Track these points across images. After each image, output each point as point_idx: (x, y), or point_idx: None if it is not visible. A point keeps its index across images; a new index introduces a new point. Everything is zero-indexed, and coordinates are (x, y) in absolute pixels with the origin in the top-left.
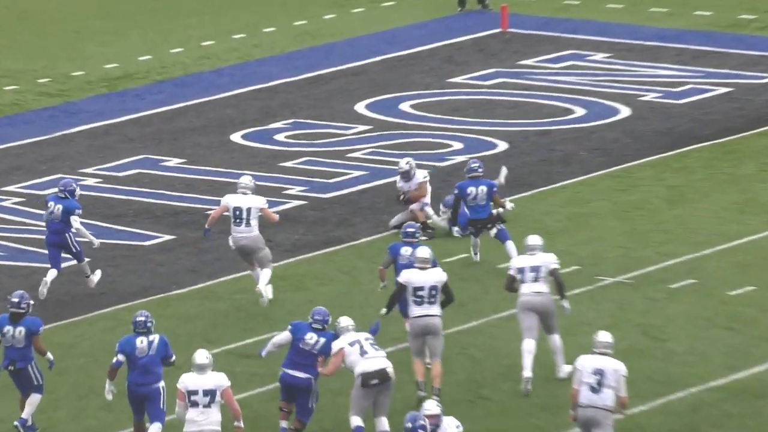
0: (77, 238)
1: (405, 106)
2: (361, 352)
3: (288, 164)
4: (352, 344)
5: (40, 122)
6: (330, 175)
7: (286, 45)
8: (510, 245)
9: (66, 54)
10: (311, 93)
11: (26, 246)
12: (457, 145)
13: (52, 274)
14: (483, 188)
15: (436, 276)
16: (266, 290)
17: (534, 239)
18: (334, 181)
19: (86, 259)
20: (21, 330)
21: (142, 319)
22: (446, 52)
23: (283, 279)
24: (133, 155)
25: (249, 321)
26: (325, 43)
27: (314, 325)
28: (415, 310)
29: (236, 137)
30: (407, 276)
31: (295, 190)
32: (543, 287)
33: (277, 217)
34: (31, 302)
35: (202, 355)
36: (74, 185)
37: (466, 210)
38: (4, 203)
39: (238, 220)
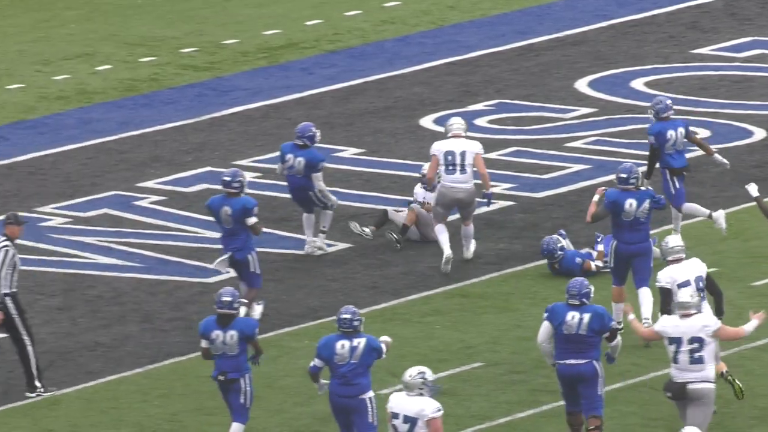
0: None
1: (638, 84)
2: (674, 358)
3: (491, 156)
4: (671, 342)
5: (184, 102)
6: (544, 170)
7: (490, 7)
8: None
9: (215, 17)
10: (521, 67)
11: (168, 255)
12: (704, 133)
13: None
14: (681, 130)
15: (698, 267)
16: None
17: None
18: (548, 176)
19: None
20: (233, 334)
21: (348, 316)
22: (690, 15)
23: (485, 298)
24: None
25: (443, 350)
26: (539, 4)
27: (570, 302)
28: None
29: (427, 122)
30: (669, 274)
31: (500, 188)
32: None
33: (487, 174)
34: (244, 301)
35: (413, 371)
36: (313, 129)
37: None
38: (139, 202)
39: (451, 167)
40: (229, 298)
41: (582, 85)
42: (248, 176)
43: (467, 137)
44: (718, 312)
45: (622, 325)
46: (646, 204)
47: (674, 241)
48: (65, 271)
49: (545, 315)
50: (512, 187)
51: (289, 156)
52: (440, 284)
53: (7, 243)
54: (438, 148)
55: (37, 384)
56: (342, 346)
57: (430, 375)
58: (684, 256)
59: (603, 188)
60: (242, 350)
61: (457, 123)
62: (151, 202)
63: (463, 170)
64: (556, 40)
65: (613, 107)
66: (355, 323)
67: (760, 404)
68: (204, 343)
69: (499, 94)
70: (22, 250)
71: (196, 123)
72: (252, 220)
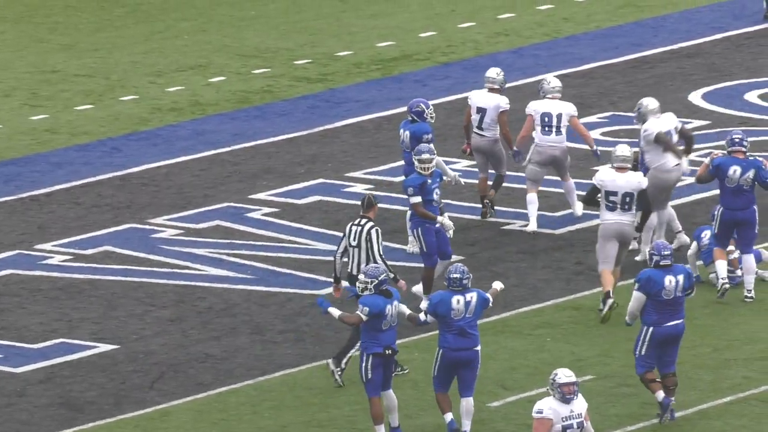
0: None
1: (752, 96)
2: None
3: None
4: (609, 194)
5: (297, 114)
6: None
7: (604, 18)
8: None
9: (329, 29)
10: (635, 79)
11: (280, 267)
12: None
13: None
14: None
15: (634, 182)
16: (578, 207)
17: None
18: None
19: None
20: (396, 305)
21: (457, 276)
22: None
23: (596, 310)
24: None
25: (554, 362)
26: (654, 16)
27: (663, 263)
28: (606, 215)
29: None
30: (605, 176)
31: None
32: None
33: (588, 133)
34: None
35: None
36: (422, 105)
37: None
38: (252, 214)
39: (547, 128)
40: (383, 276)
41: (696, 97)
42: (360, 187)
43: (561, 99)
44: (638, 228)
45: (725, 282)
46: (751, 173)
47: (622, 150)
48: (177, 282)
49: (637, 285)
50: None
51: (401, 131)
52: (552, 297)
53: (372, 223)
54: (534, 108)
55: (342, 366)
56: (457, 301)
57: (561, 377)
58: (629, 167)
59: (716, 153)
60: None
61: (557, 86)
62: (264, 214)
63: (558, 132)
64: (670, 52)
65: (727, 120)
66: (465, 281)
67: None
68: (366, 318)
69: (613, 107)
70: (133, 262)
71: (309, 135)
72: (413, 200)
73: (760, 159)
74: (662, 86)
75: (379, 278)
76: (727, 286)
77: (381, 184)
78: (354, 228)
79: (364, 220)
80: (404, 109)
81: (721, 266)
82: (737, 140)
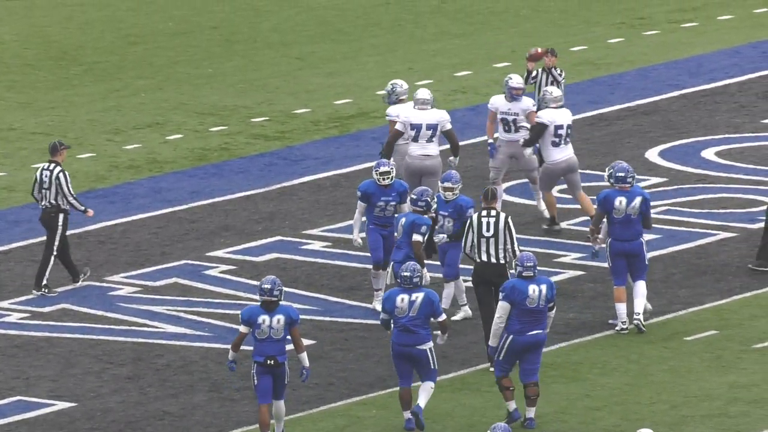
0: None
1: (708, 154)
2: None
3: (563, 225)
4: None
5: (255, 171)
6: None
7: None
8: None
9: (286, 86)
10: (592, 136)
11: (237, 325)
12: None
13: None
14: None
15: (569, 116)
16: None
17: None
18: None
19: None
20: (280, 318)
21: (408, 274)
22: (761, 85)
23: (554, 367)
24: None
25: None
26: (610, 74)
27: (525, 274)
28: (554, 154)
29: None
30: (551, 115)
31: (570, 257)
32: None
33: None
34: (284, 289)
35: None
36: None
37: None
38: (209, 272)
39: (507, 127)
40: (268, 286)
41: (653, 154)
42: (318, 245)
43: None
44: None
45: (626, 325)
46: (637, 202)
47: (556, 91)
48: (134, 340)
49: (503, 294)
50: (582, 256)
51: None
52: None
53: (505, 213)
54: (497, 106)
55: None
56: (402, 299)
57: None
58: (563, 104)
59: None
60: (286, 335)
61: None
62: (221, 272)
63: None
64: (627, 110)
65: (684, 177)
66: (415, 280)
67: None
68: (244, 329)
69: None
70: (90, 319)
71: (267, 192)
72: (416, 237)
73: (642, 187)
74: (619, 143)
75: (260, 286)
76: (626, 331)
77: (339, 241)
78: (485, 219)
79: (493, 211)
80: (363, 166)
81: (621, 309)
82: (621, 177)
